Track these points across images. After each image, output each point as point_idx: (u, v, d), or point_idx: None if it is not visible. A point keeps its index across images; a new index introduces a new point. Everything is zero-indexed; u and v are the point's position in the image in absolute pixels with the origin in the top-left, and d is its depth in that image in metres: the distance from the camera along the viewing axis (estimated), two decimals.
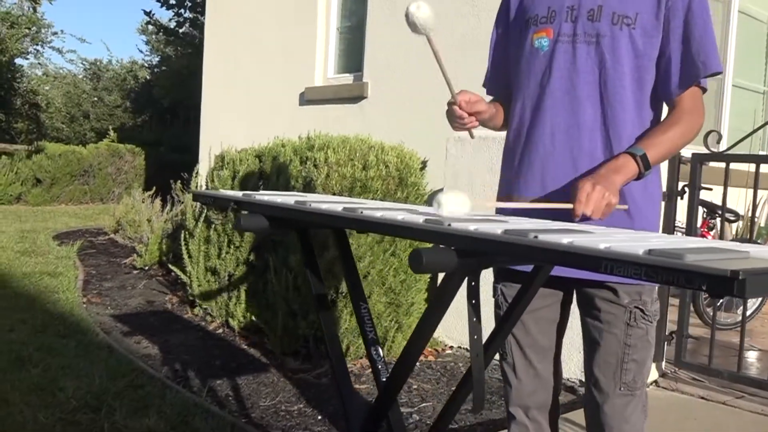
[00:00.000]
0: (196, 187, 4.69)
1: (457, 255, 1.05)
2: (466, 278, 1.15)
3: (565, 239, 0.93)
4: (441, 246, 1.05)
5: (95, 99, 20.95)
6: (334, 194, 3.52)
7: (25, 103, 19.16)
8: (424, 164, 4.17)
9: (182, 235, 4.32)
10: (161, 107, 16.12)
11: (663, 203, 1.74)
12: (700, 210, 4.04)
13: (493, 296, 1.78)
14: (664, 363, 3.53)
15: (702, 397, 3.23)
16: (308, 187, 3.58)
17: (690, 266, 0.77)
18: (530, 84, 1.68)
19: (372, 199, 3.53)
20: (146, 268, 5.54)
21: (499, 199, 1.74)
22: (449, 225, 1.08)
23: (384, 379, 1.45)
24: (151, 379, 3.12)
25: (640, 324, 1.59)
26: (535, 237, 0.96)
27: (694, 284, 0.76)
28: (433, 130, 4.60)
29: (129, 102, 19.74)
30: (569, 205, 1.46)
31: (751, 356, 3.98)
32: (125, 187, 13.00)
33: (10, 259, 5.61)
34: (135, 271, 5.54)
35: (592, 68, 1.60)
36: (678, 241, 1.03)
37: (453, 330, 3.87)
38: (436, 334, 3.98)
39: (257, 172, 3.91)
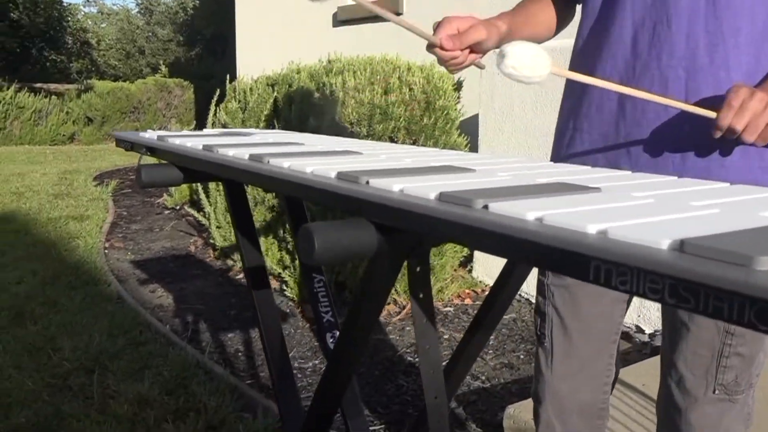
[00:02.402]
0: (212, 123, 4.35)
1: (378, 231, 0.65)
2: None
3: (532, 213, 0.52)
4: (351, 219, 0.66)
5: (149, 34, 20.76)
6: (351, 124, 3.12)
7: (77, 41, 19.17)
8: (459, 84, 3.70)
9: None
10: (209, 39, 15.84)
11: None
12: None
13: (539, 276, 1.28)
14: None
15: None
16: (322, 116, 3.18)
17: (763, 287, 0.35)
18: None
19: (394, 127, 3.11)
20: (177, 207, 5.30)
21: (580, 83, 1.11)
22: (367, 182, 0.67)
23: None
24: (155, 335, 2.86)
25: None
26: (485, 207, 0.55)
27: None
28: None
29: (181, 36, 19.47)
30: (710, 113, 0.99)
31: None
32: (176, 122, 12.89)
33: (41, 203, 5.45)
34: (166, 211, 5.31)
35: None
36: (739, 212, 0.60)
37: (494, 268, 3.45)
38: (474, 274, 3.59)
39: (270, 103, 3.53)
